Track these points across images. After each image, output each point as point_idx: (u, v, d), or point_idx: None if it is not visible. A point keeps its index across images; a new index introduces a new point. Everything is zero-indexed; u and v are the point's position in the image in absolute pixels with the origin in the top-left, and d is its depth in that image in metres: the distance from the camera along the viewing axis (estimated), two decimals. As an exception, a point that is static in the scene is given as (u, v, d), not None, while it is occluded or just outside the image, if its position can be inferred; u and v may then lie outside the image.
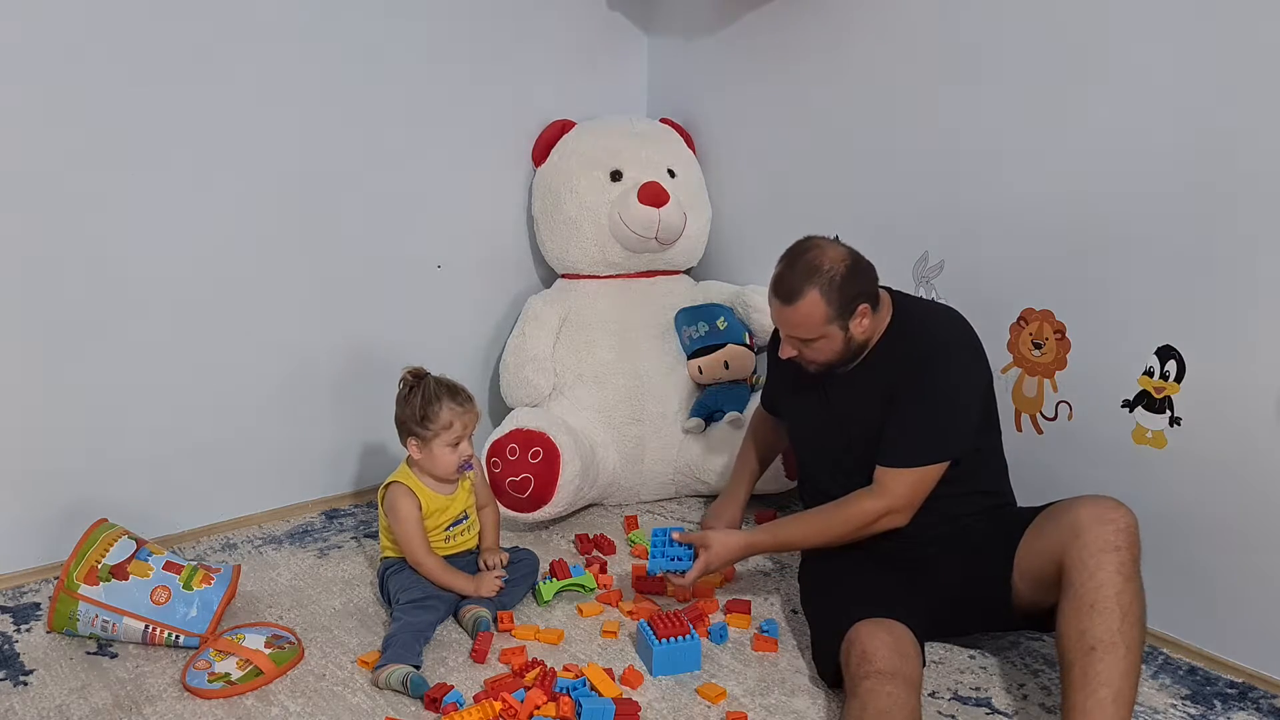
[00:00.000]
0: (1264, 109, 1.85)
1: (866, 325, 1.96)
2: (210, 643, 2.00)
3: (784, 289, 1.92)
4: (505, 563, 2.24)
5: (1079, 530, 1.71)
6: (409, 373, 2.18)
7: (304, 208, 2.58)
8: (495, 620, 2.12)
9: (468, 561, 2.25)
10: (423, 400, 2.12)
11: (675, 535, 2.12)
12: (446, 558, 2.21)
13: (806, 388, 2.10)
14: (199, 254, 2.45)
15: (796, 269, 1.91)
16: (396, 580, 2.16)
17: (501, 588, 2.17)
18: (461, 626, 2.12)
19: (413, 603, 2.08)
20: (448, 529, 2.21)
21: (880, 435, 1.96)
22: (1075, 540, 1.71)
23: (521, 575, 2.25)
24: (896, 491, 1.93)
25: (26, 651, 2.05)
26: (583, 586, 2.26)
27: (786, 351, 2.00)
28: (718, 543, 2.04)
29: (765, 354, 2.55)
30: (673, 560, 2.09)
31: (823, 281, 1.89)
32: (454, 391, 2.16)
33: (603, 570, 2.37)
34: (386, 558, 2.24)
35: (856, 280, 1.92)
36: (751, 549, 2.07)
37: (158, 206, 2.37)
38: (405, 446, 2.18)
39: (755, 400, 2.55)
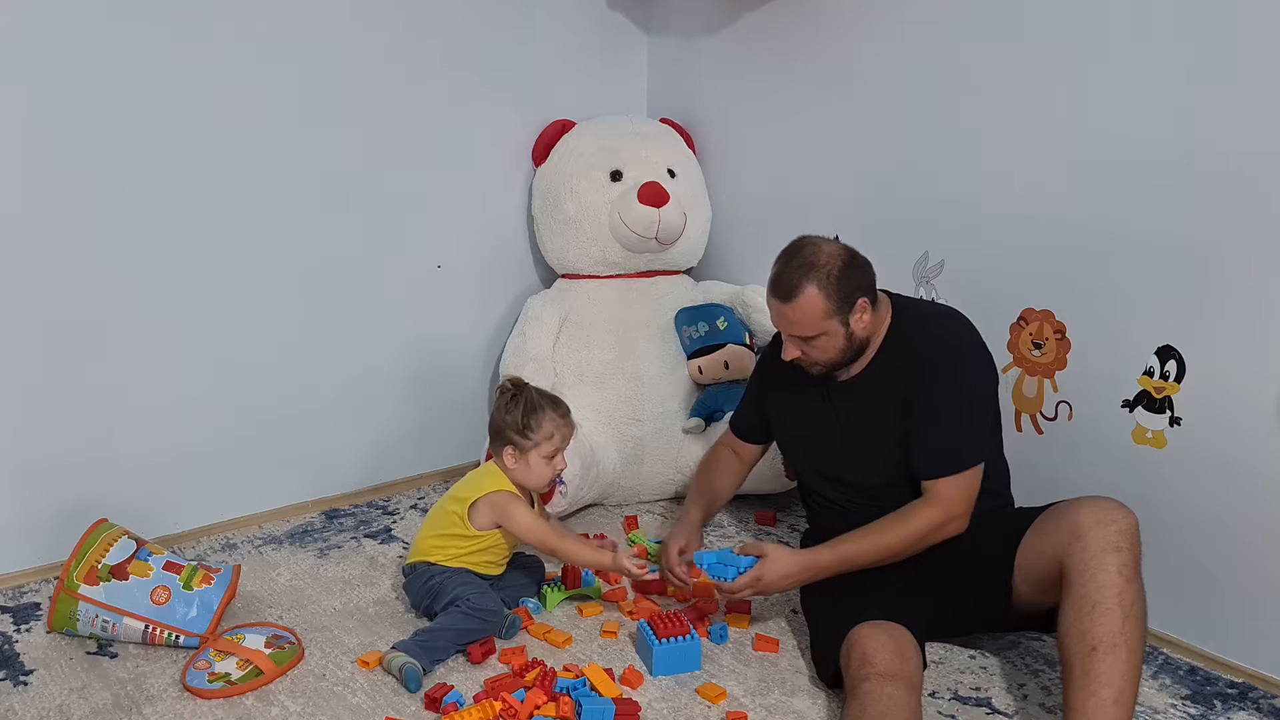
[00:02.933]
0: (1263, 109, 1.85)
1: (867, 321, 1.94)
2: (210, 643, 2.00)
3: (782, 286, 1.91)
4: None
5: (1080, 531, 1.71)
6: (510, 381, 2.15)
7: (304, 209, 2.58)
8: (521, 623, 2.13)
9: (495, 581, 2.19)
10: (525, 409, 2.08)
11: (735, 549, 1.99)
12: (487, 577, 2.16)
13: (809, 399, 2.08)
14: (198, 255, 2.44)
15: (793, 266, 1.91)
16: (457, 581, 2.09)
17: (646, 570, 2.11)
18: None
19: (479, 611, 2.03)
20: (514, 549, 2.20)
21: (897, 444, 1.95)
22: (1077, 541, 1.71)
23: (531, 577, 2.26)
24: (953, 498, 1.91)
25: (26, 651, 2.05)
26: (587, 597, 2.25)
27: (790, 353, 1.98)
28: (773, 557, 1.93)
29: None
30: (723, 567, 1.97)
31: (820, 276, 1.88)
32: (556, 403, 2.13)
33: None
34: (433, 563, 2.13)
35: (854, 274, 1.92)
36: (811, 569, 1.94)
37: (158, 207, 2.37)
38: (499, 456, 2.13)
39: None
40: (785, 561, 1.94)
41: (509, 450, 2.11)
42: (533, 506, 2.18)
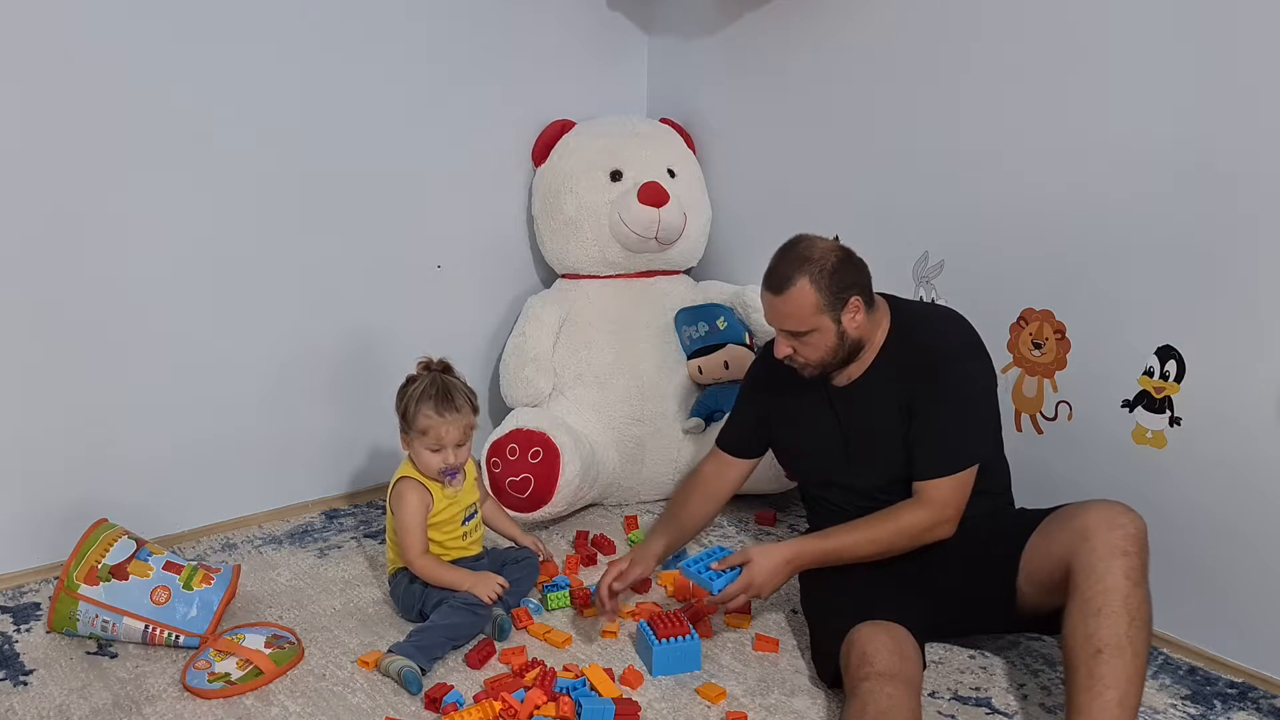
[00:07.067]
0: (1263, 108, 1.85)
1: (860, 321, 1.94)
2: (210, 643, 2.00)
3: (774, 279, 1.92)
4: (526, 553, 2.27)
5: (1088, 534, 1.71)
6: (420, 364, 2.15)
7: (304, 208, 2.58)
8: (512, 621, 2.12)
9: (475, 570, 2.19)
10: (409, 398, 2.10)
11: (714, 565, 1.92)
12: (465, 560, 2.17)
13: (808, 404, 2.07)
14: (198, 254, 2.45)
15: (787, 260, 1.92)
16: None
17: (500, 595, 2.09)
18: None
19: (469, 605, 2.04)
20: (464, 522, 2.18)
21: (900, 447, 1.94)
22: (1084, 544, 1.70)
23: (525, 574, 2.24)
24: (943, 500, 1.90)
25: (26, 651, 2.05)
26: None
27: (781, 350, 1.98)
28: (757, 560, 1.89)
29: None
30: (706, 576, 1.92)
31: (813, 270, 1.89)
32: (443, 398, 2.07)
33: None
34: (406, 568, 2.16)
35: (848, 272, 1.91)
36: (797, 561, 1.92)
37: (156, 207, 2.37)
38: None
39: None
40: (770, 558, 1.90)
41: (401, 434, 2.13)
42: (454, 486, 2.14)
